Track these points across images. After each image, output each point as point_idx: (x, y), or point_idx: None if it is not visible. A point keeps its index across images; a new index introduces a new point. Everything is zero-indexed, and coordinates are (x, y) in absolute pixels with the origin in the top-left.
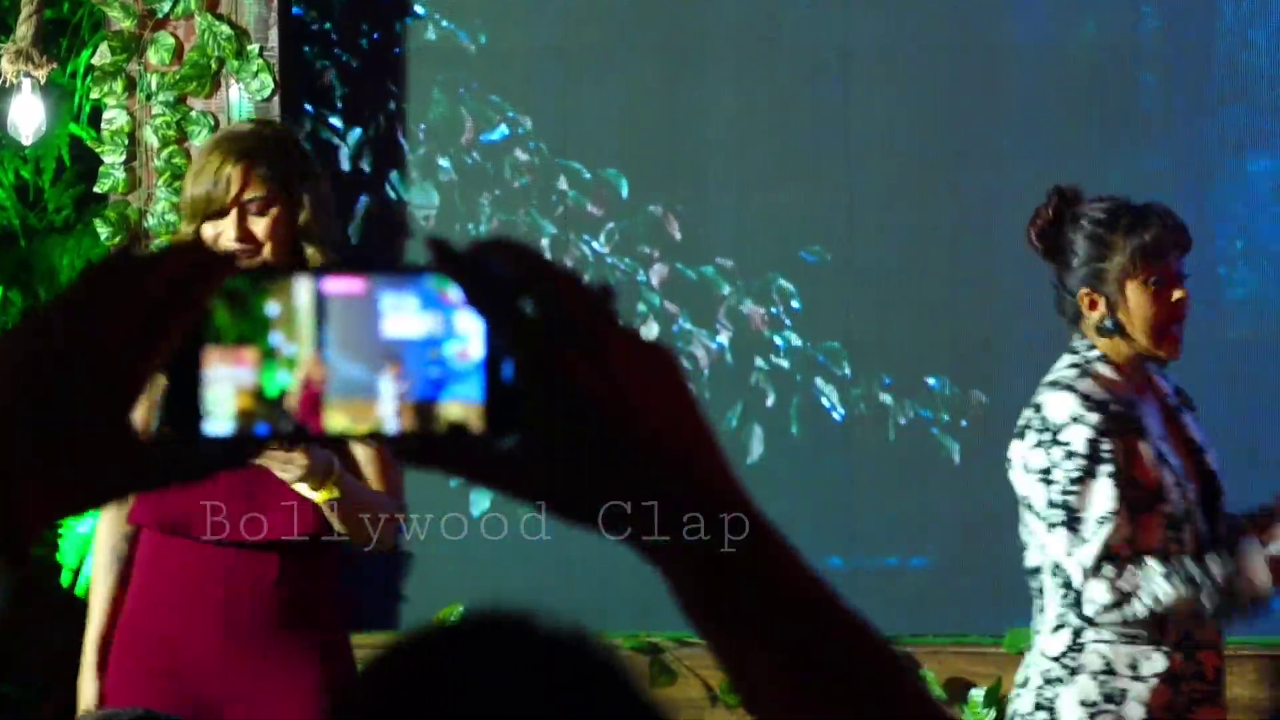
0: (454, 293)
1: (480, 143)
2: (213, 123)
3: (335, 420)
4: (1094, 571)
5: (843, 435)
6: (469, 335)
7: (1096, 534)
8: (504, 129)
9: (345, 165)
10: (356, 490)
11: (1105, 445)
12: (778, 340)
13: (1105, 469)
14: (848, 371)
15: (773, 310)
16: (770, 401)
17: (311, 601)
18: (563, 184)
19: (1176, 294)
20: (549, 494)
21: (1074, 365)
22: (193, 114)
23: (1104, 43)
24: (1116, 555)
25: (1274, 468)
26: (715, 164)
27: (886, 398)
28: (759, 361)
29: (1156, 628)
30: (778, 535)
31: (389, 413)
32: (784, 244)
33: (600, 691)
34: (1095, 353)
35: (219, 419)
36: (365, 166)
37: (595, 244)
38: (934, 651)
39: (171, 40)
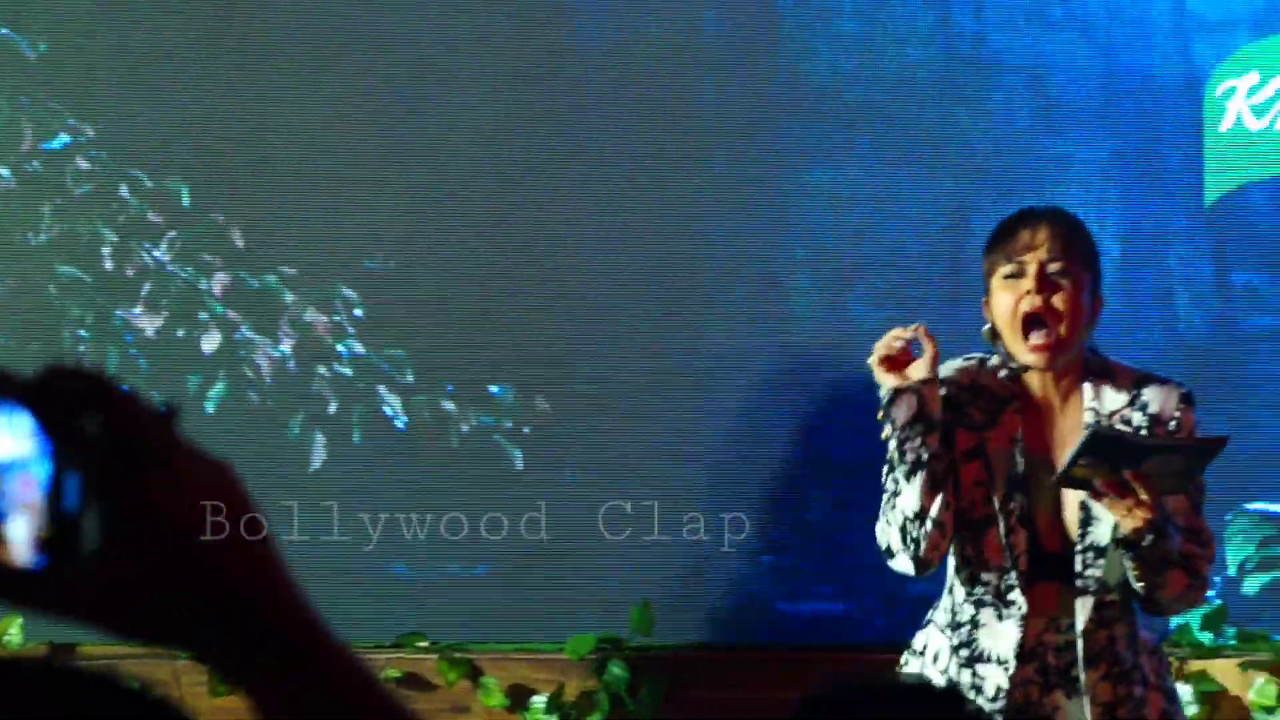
0: (16, 417)
1: (41, 151)
2: None
3: None
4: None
5: (406, 443)
6: (31, 458)
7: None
8: (65, 137)
9: None
10: None
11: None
12: (340, 348)
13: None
14: (411, 379)
15: (336, 318)
16: (333, 409)
17: None
18: (124, 192)
19: (1026, 286)
20: (111, 615)
21: (980, 355)
22: None
23: (667, 47)
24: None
25: (828, 469)
26: (278, 172)
27: (449, 405)
28: (322, 369)
29: (951, 625)
30: (338, 646)
31: None
32: (347, 252)
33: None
34: (1003, 350)
35: None
36: None
37: (157, 252)
38: (496, 659)
39: None
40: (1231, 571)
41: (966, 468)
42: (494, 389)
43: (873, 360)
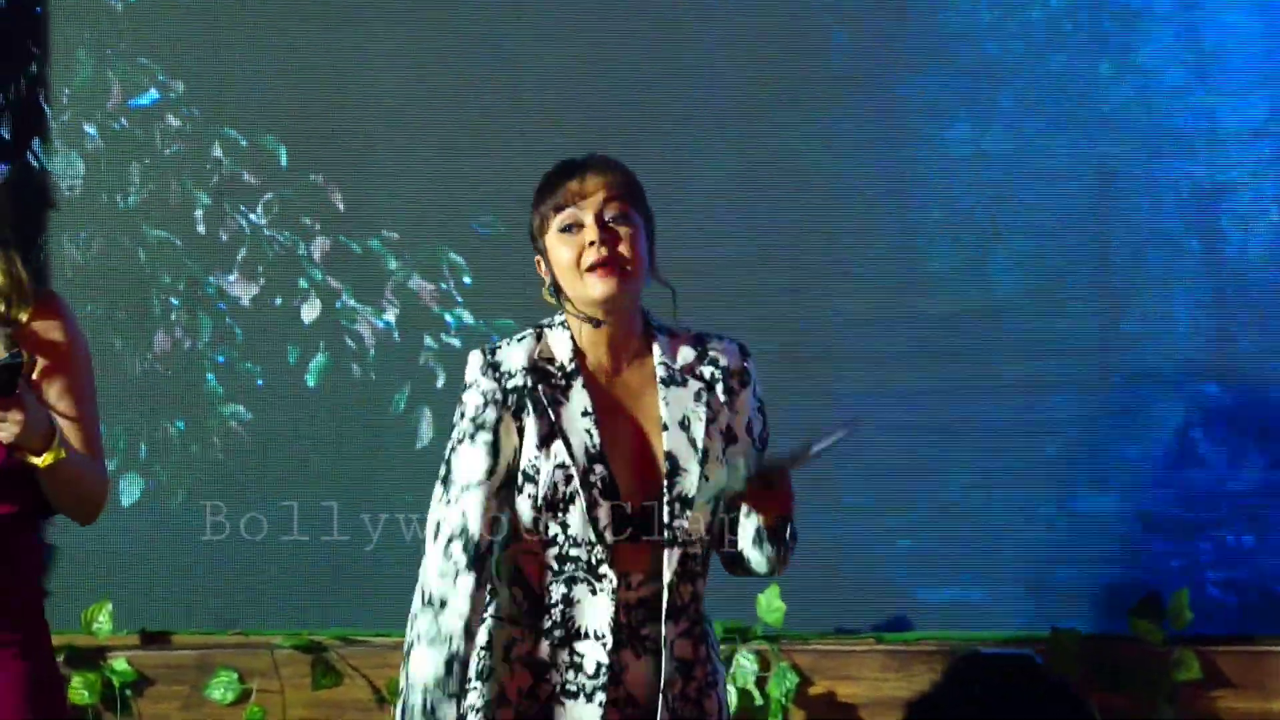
0: None
1: (129, 108)
2: None
3: None
4: (436, 539)
5: None
6: None
7: (458, 501)
8: (154, 93)
9: None
10: (73, 453)
11: (489, 414)
12: (448, 318)
13: (483, 436)
14: None
15: (443, 286)
16: (441, 382)
17: (11, 593)
18: (218, 151)
19: (590, 238)
20: None
21: (535, 327)
22: None
23: None
24: (475, 541)
25: (970, 440)
26: (380, 130)
27: None
28: (429, 340)
29: (533, 612)
30: None
31: None
32: (454, 215)
33: None
34: (561, 317)
35: None
36: (4, 133)
37: (253, 215)
38: None
39: None
40: None
41: (545, 453)
42: None
43: None
